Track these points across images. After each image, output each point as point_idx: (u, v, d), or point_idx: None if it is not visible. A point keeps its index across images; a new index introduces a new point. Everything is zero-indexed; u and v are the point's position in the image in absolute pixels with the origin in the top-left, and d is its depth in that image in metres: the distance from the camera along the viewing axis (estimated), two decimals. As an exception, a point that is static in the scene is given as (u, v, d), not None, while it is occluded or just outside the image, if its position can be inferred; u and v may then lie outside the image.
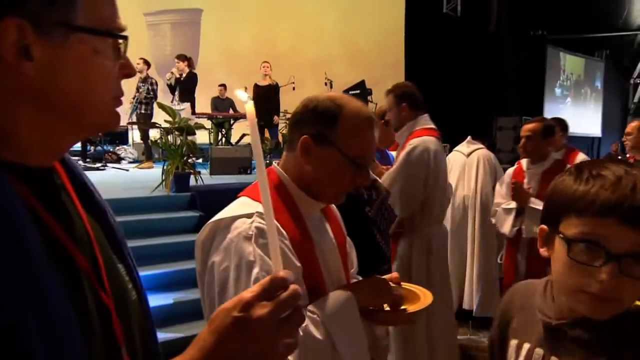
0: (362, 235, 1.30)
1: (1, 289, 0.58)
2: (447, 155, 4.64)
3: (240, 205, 1.28)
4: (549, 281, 1.05)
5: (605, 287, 0.86)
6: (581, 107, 13.39)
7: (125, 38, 0.74)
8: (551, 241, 0.98)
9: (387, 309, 1.37)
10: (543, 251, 1.01)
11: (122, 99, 0.79)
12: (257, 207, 1.22)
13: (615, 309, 0.91)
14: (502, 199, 3.43)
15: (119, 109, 0.79)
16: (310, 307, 1.23)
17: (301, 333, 1.14)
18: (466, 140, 4.88)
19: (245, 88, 9.10)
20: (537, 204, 3.10)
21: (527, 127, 3.36)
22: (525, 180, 3.38)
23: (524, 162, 3.51)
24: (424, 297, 1.41)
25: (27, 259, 0.62)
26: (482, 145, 4.82)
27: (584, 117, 13.34)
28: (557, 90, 12.47)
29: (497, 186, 4.03)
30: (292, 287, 0.66)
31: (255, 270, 1.16)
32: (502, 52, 10.82)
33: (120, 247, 0.84)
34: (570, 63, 12.88)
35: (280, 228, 1.23)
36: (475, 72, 10.19)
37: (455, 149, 4.97)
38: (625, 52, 14.16)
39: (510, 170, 3.62)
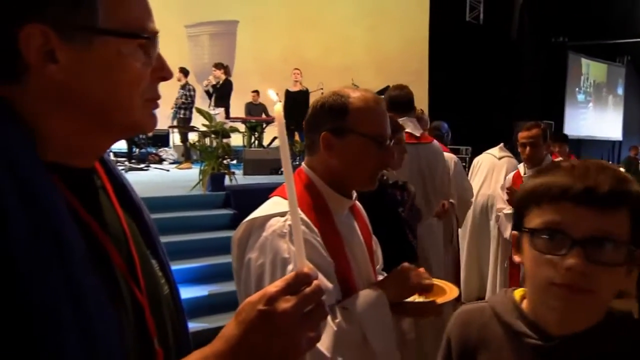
0: (396, 234, 1.29)
1: (40, 286, 0.58)
2: (469, 157, 4.60)
3: (273, 204, 1.28)
4: (510, 300, 0.95)
5: (573, 275, 0.79)
6: (602, 112, 13.01)
7: (147, 39, 0.70)
8: (522, 244, 0.90)
9: (417, 299, 1.37)
10: (516, 257, 0.92)
11: (161, 102, 0.77)
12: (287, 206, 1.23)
13: (590, 303, 0.83)
14: (504, 204, 3.31)
15: (160, 113, 0.78)
16: (343, 304, 1.22)
17: (335, 328, 1.15)
18: (499, 146, 4.88)
19: (277, 94, 9.14)
20: None
21: (528, 134, 3.13)
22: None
23: (521, 166, 3.38)
24: (450, 290, 1.41)
25: (67, 257, 0.62)
26: (511, 155, 4.79)
27: (605, 122, 12.97)
28: (580, 96, 12.15)
29: (499, 191, 3.99)
30: (316, 282, 0.65)
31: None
32: (523, 59, 10.61)
33: (154, 244, 0.84)
34: (593, 69, 12.52)
35: (311, 225, 1.23)
36: (496, 78, 10.03)
37: (487, 151, 4.98)
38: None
39: (510, 176, 3.49)
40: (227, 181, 5.74)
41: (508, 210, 3.18)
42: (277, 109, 0.69)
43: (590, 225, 0.80)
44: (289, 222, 1.19)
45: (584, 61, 12.31)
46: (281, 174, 7.44)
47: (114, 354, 0.64)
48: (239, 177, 6.16)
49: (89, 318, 0.62)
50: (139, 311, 0.73)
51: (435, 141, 3.35)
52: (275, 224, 1.20)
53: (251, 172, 7.20)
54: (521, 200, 0.90)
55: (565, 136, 6.35)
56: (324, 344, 1.12)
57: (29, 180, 0.62)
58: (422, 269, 1.43)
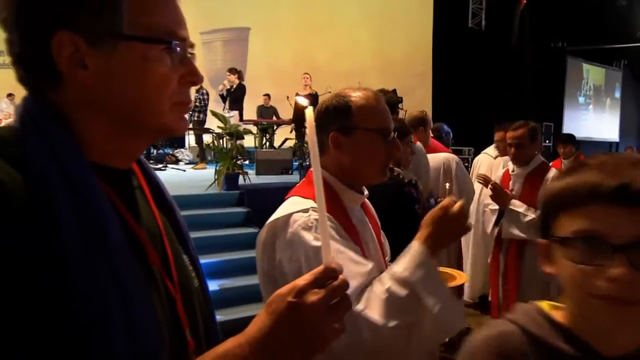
0: (412, 230, 1.28)
1: (90, 280, 0.60)
2: (471, 158, 4.60)
3: (292, 204, 1.27)
4: (544, 317, 0.79)
5: (619, 287, 0.66)
6: (600, 114, 12.91)
7: (171, 44, 0.69)
8: (552, 254, 0.76)
9: None
10: (546, 268, 0.78)
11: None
12: (310, 203, 1.22)
13: None
14: (490, 200, 3.21)
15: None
16: (391, 271, 1.17)
17: (384, 296, 1.11)
18: (493, 145, 4.82)
19: (288, 97, 9.18)
20: (517, 206, 2.93)
21: (513, 135, 3.02)
22: (511, 183, 3.12)
23: (510, 165, 3.28)
24: (460, 276, 1.41)
25: (112, 253, 0.63)
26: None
27: (603, 123, 12.88)
28: (581, 99, 12.07)
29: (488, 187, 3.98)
30: (341, 277, 0.65)
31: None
32: (523, 63, 10.55)
33: (186, 240, 0.85)
34: (592, 73, 12.43)
35: (333, 219, 1.23)
36: (498, 82, 9.98)
37: (484, 151, 4.99)
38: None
39: (500, 174, 3.41)
40: (240, 181, 5.76)
41: (493, 206, 3.11)
42: (308, 112, 0.69)
43: (630, 228, 0.67)
44: (313, 217, 1.19)
45: (584, 65, 12.21)
46: (291, 173, 7.47)
47: (153, 343, 0.65)
48: (252, 177, 6.16)
49: (131, 309, 0.63)
50: (172, 303, 0.74)
51: (418, 142, 3.31)
52: (299, 219, 1.20)
53: (263, 172, 7.20)
54: (547, 205, 0.78)
55: (571, 136, 6.14)
56: (375, 314, 1.10)
57: (78, 182, 0.63)
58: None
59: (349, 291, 1.10)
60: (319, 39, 12.23)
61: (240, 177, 5.76)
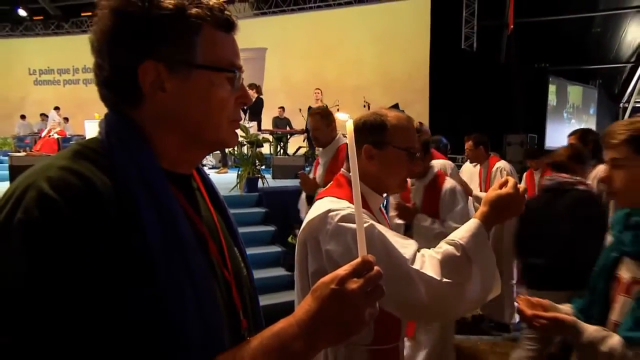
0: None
1: (167, 266, 0.62)
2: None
3: (329, 202, 1.27)
4: None
5: None
6: (578, 126, 12.88)
7: (232, 72, 0.74)
8: None
9: None
10: None
11: None
12: (346, 203, 1.23)
13: None
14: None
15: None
16: (449, 239, 1.18)
17: (440, 257, 1.13)
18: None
19: (300, 110, 9.20)
20: (422, 220, 2.73)
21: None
22: (412, 196, 2.91)
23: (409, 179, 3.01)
24: None
25: (183, 244, 0.66)
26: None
27: (581, 135, 12.84)
28: (565, 114, 12.06)
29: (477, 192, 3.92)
30: (376, 268, 0.66)
31: (378, 228, 1.16)
32: (511, 81, 10.51)
33: (236, 235, 0.87)
34: (572, 91, 12.41)
35: (367, 212, 1.26)
36: (488, 97, 9.96)
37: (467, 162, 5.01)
38: (616, 81, 13.53)
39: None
40: (259, 184, 5.77)
41: (397, 220, 2.79)
42: (348, 125, 0.70)
43: None
44: (349, 211, 1.19)
45: (566, 84, 12.19)
46: (304, 177, 7.46)
47: (217, 320, 0.68)
48: (269, 180, 6.18)
49: (199, 291, 0.66)
50: (228, 289, 0.77)
51: None
52: (339, 212, 1.20)
53: (279, 176, 7.20)
54: None
55: (538, 150, 5.72)
56: (431, 272, 1.11)
57: (154, 185, 0.66)
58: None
59: (407, 256, 1.10)
60: (328, 58, 12.26)
61: (259, 180, 5.78)
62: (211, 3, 0.72)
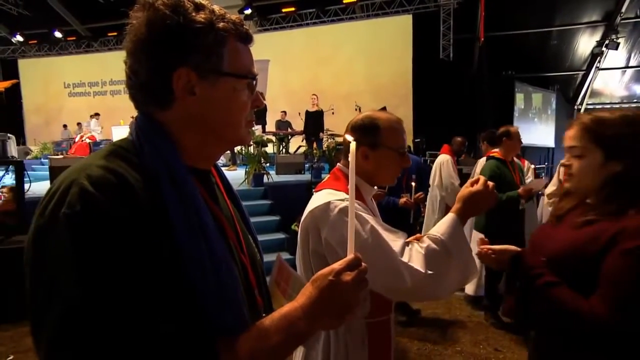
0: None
1: (193, 250, 0.62)
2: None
3: (328, 194, 1.25)
4: None
5: None
6: (541, 126, 12.92)
7: (252, 79, 0.74)
8: None
9: None
10: None
11: None
12: (342, 194, 1.22)
13: None
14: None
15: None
16: (430, 234, 1.17)
17: (423, 252, 1.11)
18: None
19: (299, 113, 9.16)
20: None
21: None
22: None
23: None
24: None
25: (206, 231, 0.65)
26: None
27: (543, 133, 12.90)
28: (530, 114, 12.22)
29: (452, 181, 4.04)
30: (364, 264, 0.69)
31: (372, 222, 1.14)
32: (482, 87, 10.53)
33: (249, 224, 0.87)
34: (534, 95, 12.55)
35: (362, 204, 1.24)
36: (462, 101, 10.00)
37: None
38: (570, 87, 13.76)
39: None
40: (265, 179, 5.77)
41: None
42: (352, 146, 0.72)
43: None
44: (347, 203, 1.17)
45: (528, 89, 12.24)
46: (303, 173, 7.45)
47: (238, 297, 0.68)
48: (273, 176, 6.18)
49: (220, 270, 0.66)
50: (245, 271, 0.76)
51: None
52: (338, 205, 1.19)
53: (282, 172, 7.19)
54: None
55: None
56: (417, 265, 1.10)
57: (180, 180, 0.65)
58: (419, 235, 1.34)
59: (396, 249, 1.11)
60: (323, 68, 12.22)
61: (265, 176, 5.77)
62: (233, 18, 0.72)
